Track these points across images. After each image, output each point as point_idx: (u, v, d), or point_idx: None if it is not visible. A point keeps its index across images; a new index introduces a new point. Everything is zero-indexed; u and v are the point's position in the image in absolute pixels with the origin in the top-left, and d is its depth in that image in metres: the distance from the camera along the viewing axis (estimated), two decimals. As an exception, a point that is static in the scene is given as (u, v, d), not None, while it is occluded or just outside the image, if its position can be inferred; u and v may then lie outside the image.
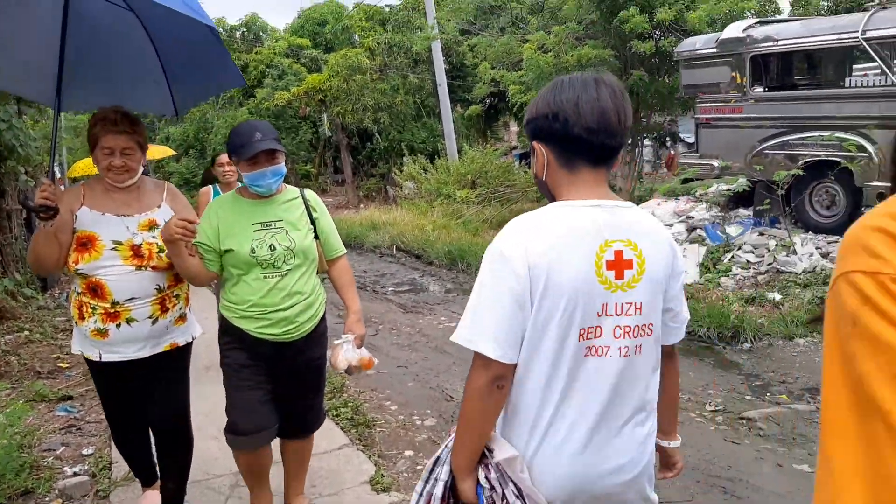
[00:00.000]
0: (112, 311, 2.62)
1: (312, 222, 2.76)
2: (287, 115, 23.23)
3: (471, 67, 15.80)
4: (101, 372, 2.77)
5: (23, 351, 6.20)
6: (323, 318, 2.83)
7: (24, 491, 3.51)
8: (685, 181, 9.10)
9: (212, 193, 4.80)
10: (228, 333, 2.69)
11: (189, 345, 2.91)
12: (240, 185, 2.85)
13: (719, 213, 8.60)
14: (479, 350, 1.42)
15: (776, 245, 7.61)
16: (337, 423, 4.20)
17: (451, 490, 1.54)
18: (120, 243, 2.62)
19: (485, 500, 1.48)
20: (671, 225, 8.59)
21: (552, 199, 1.54)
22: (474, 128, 19.00)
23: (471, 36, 15.28)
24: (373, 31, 21.02)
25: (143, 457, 3.11)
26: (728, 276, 7.35)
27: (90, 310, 2.64)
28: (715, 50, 8.80)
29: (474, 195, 13.68)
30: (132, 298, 2.62)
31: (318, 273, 2.86)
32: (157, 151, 6.78)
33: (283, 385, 2.76)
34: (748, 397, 4.72)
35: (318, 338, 2.80)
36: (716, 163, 8.93)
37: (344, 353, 2.69)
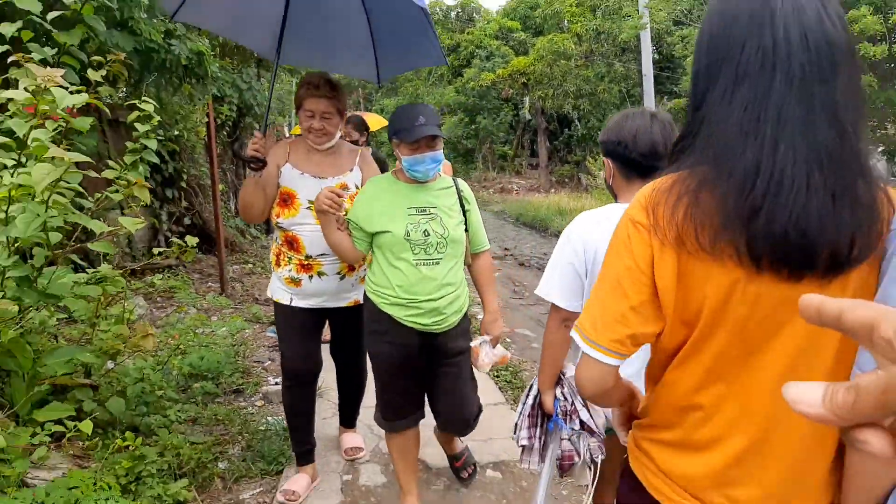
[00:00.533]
0: (305, 263, 2.82)
1: (464, 213, 2.67)
2: (490, 95, 23.93)
3: (680, 59, 15.24)
4: (290, 314, 2.93)
5: (245, 280, 7.33)
6: (466, 313, 2.75)
7: (236, 389, 4.27)
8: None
9: None
10: (376, 320, 2.61)
11: None
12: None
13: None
14: (551, 300, 1.94)
15: None
16: (496, 383, 4.54)
17: (539, 403, 2.08)
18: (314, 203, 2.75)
19: (559, 408, 1.99)
20: None
21: (616, 198, 2.05)
22: (680, 122, 18.31)
23: (684, 27, 14.70)
24: (582, 17, 20.90)
25: (307, 416, 3.13)
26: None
27: (286, 259, 2.86)
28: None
29: (667, 191, 13.28)
30: (323, 254, 2.79)
31: None
32: (375, 122, 7.49)
33: (432, 376, 2.74)
34: None
35: (463, 331, 2.73)
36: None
37: (484, 354, 2.73)
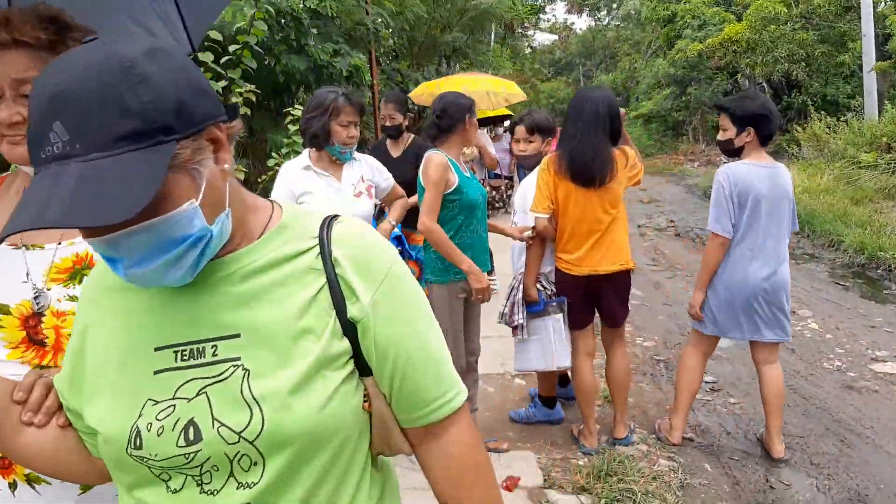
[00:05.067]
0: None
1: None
2: (703, 65, 23.11)
3: (902, 15, 13.78)
4: None
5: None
6: None
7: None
8: None
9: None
10: None
11: None
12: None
13: None
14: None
15: None
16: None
17: (523, 297, 3.41)
18: (6, 311, 1.16)
19: (544, 295, 3.42)
20: None
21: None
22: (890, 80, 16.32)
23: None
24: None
25: None
26: None
27: None
28: None
29: (885, 160, 12.13)
30: None
31: None
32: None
33: None
34: None
35: None
36: None
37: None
